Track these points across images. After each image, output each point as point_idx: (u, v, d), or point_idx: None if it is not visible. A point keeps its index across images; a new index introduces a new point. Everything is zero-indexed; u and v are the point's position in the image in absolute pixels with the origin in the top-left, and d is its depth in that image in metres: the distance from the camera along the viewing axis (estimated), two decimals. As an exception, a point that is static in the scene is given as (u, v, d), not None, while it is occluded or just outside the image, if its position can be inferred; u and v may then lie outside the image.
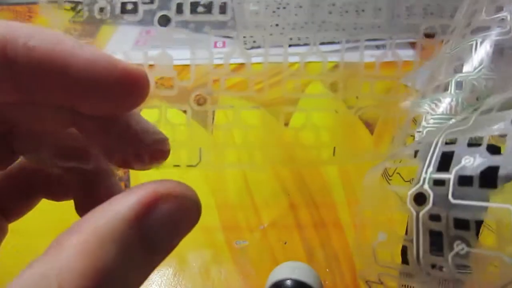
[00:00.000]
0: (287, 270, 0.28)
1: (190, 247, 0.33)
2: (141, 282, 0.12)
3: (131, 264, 0.11)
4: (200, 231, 0.34)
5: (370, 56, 0.16)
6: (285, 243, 0.33)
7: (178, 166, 0.16)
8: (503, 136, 0.12)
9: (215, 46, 0.42)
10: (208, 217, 0.35)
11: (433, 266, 0.13)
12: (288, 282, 0.27)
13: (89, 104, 0.13)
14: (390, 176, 0.17)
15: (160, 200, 0.12)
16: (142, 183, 0.12)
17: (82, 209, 0.16)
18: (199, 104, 0.15)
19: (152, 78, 0.14)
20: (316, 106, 0.16)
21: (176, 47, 0.15)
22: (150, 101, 0.15)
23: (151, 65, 0.15)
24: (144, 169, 0.15)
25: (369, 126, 0.40)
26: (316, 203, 0.36)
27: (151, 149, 0.15)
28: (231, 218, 0.35)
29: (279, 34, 0.17)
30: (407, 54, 0.17)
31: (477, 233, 0.13)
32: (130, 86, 0.13)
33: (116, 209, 0.11)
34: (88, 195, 0.16)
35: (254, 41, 0.43)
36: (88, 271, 0.10)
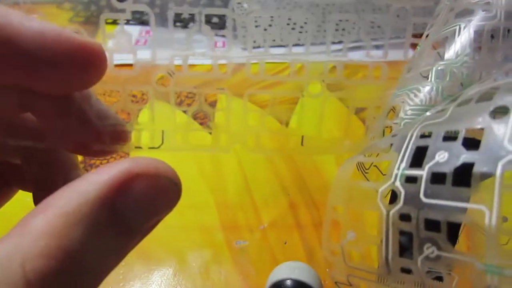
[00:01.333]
0: (287, 270, 0.27)
1: (190, 247, 0.33)
2: (114, 264, 0.12)
3: (101, 246, 0.11)
4: (199, 231, 0.34)
5: (370, 56, 0.16)
6: (285, 243, 0.33)
7: (139, 148, 0.15)
8: (480, 130, 0.11)
9: (216, 46, 0.42)
10: (207, 216, 0.35)
11: (404, 270, 0.12)
12: (288, 282, 0.27)
13: (42, 81, 0.12)
14: (367, 169, 0.15)
15: (133, 180, 0.11)
16: (115, 161, 0.12)
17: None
18: (162, 85, 0.15)
19: (111, 57, 0.14)
20: (312, 105, 0.16)
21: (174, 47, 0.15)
22: (110, 83, 0.14)
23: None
24: (105, 154, 0.15)
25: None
26: (316, 203, 0.36)
27: (110, 130, 0.14)
28: (231, 218, 0.35)
29: (279, 34, 0.17)
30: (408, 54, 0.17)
31: (456, 235, 0.12)
32: (85, 60, 0.12)
33: (85, 189, 0.11)
34: (47, 189, 0.16)
35: (254, 41, 0.43)
36: (52, 250, 0.10)
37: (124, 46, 0.14)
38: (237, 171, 0.38)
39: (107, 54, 0.13)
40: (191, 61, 0.15)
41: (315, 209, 0.35)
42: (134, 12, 0.14)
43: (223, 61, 0.15)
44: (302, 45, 0.15)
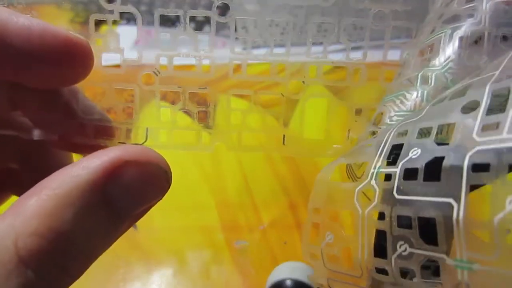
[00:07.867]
0: (287, 270, 0.27)
1: (190, 247, 0.33)
2: (104, 247, 0.12)
3: (91, 228, 0.11)
4: (200, 231, 0.34)
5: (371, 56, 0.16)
6: (285, 243, 0.33)
7: (123, 143, 0.16)
8: (452, 125, 0.11)
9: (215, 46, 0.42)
10: (207, 217, 0.35)
11: (379, 271, 0.12)
12: (288, 282, 0.27)
13: (30, 76, 0.13)
14: (358, 178, 0.16)
15: (124, 166, 0.12)
16: (106, 149, 0.12)
17: None
18: (147, 84, 0.15)
19: (99, 56, 0.14)
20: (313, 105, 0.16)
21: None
22: (96, 81, 0.15)
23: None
24: (88, 149, 0.15)
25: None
26: (316, 203, 0.36)
27: (95, 124, 0.15)
28: (231, 218, 0.35)
29: (279, 34, 0.17)
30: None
31: (435, 235, 0.12)
32: (71, 54, 0.13)
33: (77, 173, 0.11)
34: None
35: (255, 41, 0.43)
36: (43, 230, 0.10)
37: (112, 46, 0.15)
38: (237, 171, 0.38)
39: (94, 51, 0.13)
40: (178, 61, 0.15)
41: (315, 209, 0.35)
42: (124, 13, 0.15)
43: (207, 62, 0.15)
44: (302, 45, 0.15)
